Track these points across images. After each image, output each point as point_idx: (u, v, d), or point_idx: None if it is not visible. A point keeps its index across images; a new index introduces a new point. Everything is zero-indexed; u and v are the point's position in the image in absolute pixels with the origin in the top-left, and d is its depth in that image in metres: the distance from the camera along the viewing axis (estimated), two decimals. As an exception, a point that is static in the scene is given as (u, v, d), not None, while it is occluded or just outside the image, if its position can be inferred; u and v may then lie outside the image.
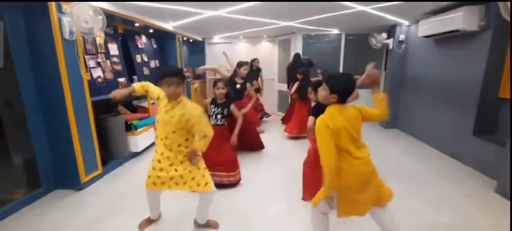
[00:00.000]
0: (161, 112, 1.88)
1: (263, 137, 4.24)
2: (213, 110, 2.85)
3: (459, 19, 3.15)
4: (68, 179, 2.85)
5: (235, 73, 3.76)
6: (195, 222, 2.17)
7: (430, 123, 4.20)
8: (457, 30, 3.27)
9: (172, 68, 1.92)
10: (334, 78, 1.62)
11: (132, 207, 2.50)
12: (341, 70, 5.68)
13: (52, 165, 2.83)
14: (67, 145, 2.76)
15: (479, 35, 3.20)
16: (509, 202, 2.52)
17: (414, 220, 2.27)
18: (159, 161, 1.90)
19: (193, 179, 1.93)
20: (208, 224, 2.18)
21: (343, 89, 1.57)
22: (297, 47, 5.80)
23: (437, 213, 2.39)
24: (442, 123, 3.90)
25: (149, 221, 2.23)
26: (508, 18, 2.38)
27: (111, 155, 3.47)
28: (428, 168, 3.35)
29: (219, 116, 2.82)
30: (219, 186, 2.67)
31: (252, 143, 3.92)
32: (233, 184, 2.87)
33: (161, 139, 1.90)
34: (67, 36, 2.59)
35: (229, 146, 2.87)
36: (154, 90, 1.99)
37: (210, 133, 1.90)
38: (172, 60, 5.25)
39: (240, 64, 3.73)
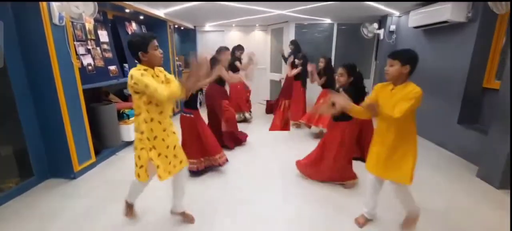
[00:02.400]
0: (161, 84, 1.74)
1: (251, 127, 4.27)
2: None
3: (448, 11, 3.24)
4: (61, 168, 2.82)
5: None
6: (174, 212, 2.15)
7: (417, 112, 4.34)
8: (445, 22, 3.37)
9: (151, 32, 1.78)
10: (401, 51, 1.73)
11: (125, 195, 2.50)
12: (333, 59, 5.73)
13: (45, 154, 2.79)
14: (59, 134, 2.71)
15: (466, 27, 3.31)
16: (490, 186, 2.69)
17: (398, 202, 2.40)
18: (165, 141, 1.83)
19: (175, 156, 1.92)
20: (185, 215, 2.16)
21: (415, 58, 1.68)
22: (289, 36, 5.80)
23: (421, 195, 2.49)
24: (429, 111, 4.04)
25: (131, 206, 2.13)
26: (497, 11, 2.48)
27: (104, 144, 3.43)
28: (415, 155, 3.50)
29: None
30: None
31: (226, 139, 3.63)
32: (221, 166, 2.95)
33: (167, 117, 1.83)
34: (56, 21, 2.50)
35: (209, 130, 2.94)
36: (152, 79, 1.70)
37: None
38: (164, 48, 5.07)
39: (218, 50, 3.50)
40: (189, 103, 2.65)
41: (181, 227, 2.09)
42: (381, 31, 5.00)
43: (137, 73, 1.62)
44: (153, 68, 1.76)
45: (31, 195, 2.55)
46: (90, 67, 3.33)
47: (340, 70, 2.42)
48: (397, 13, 4.78)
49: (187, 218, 2.15)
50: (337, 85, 2.51)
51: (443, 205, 2.38)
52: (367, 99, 1.89)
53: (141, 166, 1.80)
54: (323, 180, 2.71)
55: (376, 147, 1.90)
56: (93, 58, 3.43)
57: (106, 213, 2.26)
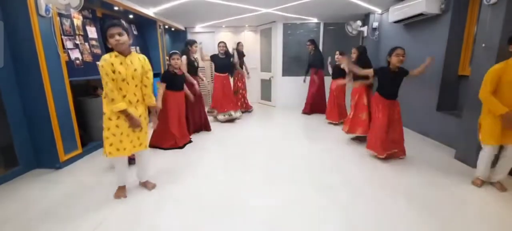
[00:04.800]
0: (122, 70, 1.89)
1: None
2: None
3: (422, 4, 3.40)
4: (47, 158, 2.84)
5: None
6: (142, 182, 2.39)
7: (401, 103, 4.47)
8: (421, 14, 3.52)
9: (112, 20, 1.99)
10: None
11: (111, 182, 2.53)
12: (320, 58, 5.87)
13: (30, 144, 2.81)
14: (45, 124, 2.75)
15: (440, 18, 3.47)
16: (467, 166, 2.79)
17: (383, 181, 2.52)
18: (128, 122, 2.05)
19: (138, 138, 2.15)
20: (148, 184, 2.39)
21: None
22: (278, 36, 5.95)
23: (403, 175, 2.65)
24: (411, 102, 4.17)
25: (123, 189, 2.28)
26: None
27: (91, 137, 3.47)
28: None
29: None
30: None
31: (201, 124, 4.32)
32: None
33: (131, 102, 2.02)
34: (43, 12, 2.58)
35: None
36: (108, 70, 1.87)
37: None
38: (154, 47, 5.25)
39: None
40: None
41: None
42: (365, 29, 5.16)
43: (102, 63, 1.85)
44: (124, 55, 1.93)
45: (15, 183, 2.56)
46: (78, 61, 3.39)
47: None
48: (379, 10, 4.96)
49: (148, 186, 2.36)
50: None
51: (423, 182, 2.48)
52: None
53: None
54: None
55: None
56: (81, 53, 3.49)
57: (86, 199, 2.27)
